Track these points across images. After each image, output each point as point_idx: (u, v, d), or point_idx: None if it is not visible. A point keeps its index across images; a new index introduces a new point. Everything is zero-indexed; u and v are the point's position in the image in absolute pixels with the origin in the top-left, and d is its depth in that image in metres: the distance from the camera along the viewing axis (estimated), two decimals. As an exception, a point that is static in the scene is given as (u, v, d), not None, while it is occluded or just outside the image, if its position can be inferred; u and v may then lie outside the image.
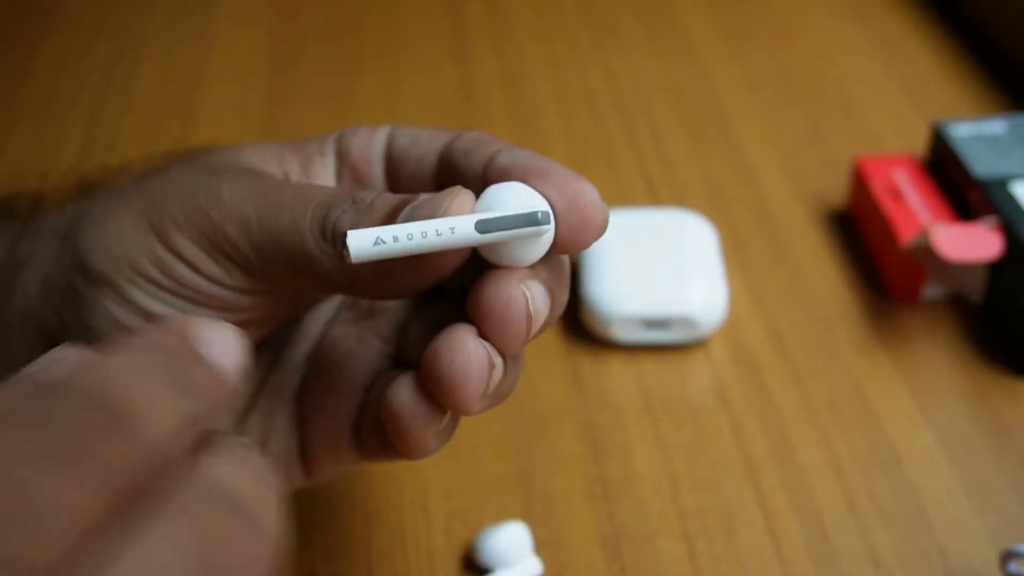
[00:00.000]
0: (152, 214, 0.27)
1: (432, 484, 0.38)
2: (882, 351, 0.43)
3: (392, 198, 0.26)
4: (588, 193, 0.25)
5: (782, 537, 0.36)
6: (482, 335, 0.26)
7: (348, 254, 0.23)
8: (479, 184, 0.26)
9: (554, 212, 0.25)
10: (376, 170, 0.30)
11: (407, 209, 0.25)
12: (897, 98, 0.57)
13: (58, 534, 0.16)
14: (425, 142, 0.29)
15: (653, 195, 0.51)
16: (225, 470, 0.19)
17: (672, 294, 0.42)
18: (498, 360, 0.26)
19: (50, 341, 0.28)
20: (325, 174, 0.30)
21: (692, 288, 0.43)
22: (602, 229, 0.26)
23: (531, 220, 0.24)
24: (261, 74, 0.61)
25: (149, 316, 0.27)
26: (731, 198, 0.51)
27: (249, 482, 0.19)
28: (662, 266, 0.43)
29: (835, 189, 0.51)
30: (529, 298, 0.25)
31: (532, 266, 0.26)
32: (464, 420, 0.40)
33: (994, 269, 0.43)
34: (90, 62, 0.62)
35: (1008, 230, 0.41)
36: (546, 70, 0.61)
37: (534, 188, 0.25)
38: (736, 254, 0.48)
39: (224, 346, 0.21)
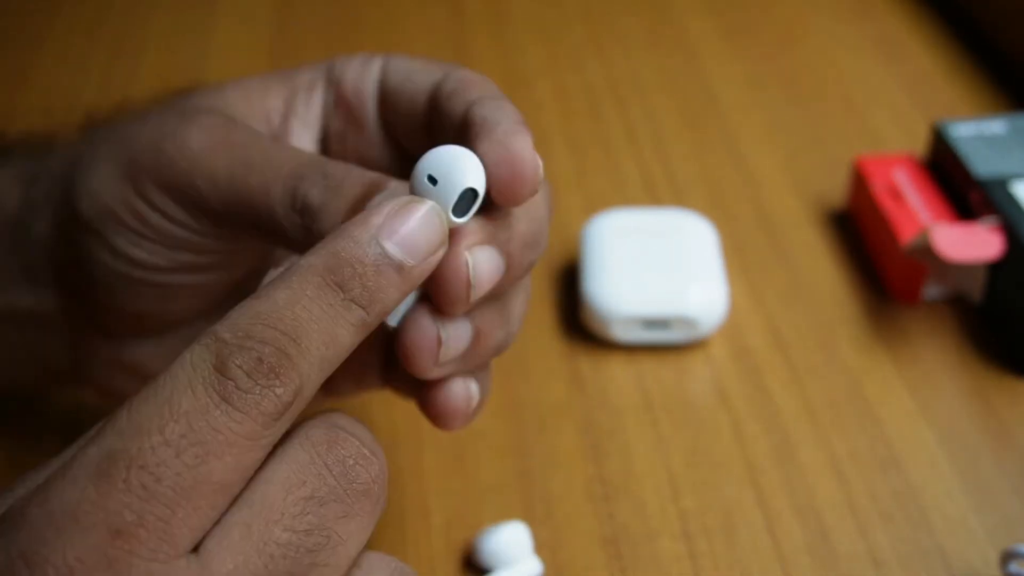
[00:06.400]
0: (129, 163, 0.28)
1: (432, 484, 0.38)
2: (882, 351, 0.43)
3: (360, 183, 0.26)
4: (521, 149, 0.25)
5: (782, 537, 0.36)
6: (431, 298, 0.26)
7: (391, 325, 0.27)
8: (457, 129, 0.27)
9: (487, 166, 0.25)
10: (370, 107, 0.31)
11: (376, 199, 0.25)
12: (897, 98, 0.57)
13: None
14: (417, 79, 0.30)
15: (653, 195, 0.51)
16: None
17: (672, 294, 0.42)
18: (448, 332, 0.27)
19: (63, 281, 0.31)
20: (307, 113, 0.31)
21: (692, 288, 0.43)
22: (533, 182, 0.26)
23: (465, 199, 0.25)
24: (261, 70, 0.61)
25: (134, 263, 0.28)
26: (731, 198, 0.51)
27: None
28: (662, 266, 0.43)
29: (835, 189, 0.51)
30: (470, 264, 0.26)
31: (483, 227, 0.26)
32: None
33: (994, 269, 0.43)
34: (91, 58, 0.62)
35: (1008, 230, 0.41)
36: (546, 69, 0.61)
37: (475, 150, 0.26)
38: (736, 254, 0.48)
39: None
